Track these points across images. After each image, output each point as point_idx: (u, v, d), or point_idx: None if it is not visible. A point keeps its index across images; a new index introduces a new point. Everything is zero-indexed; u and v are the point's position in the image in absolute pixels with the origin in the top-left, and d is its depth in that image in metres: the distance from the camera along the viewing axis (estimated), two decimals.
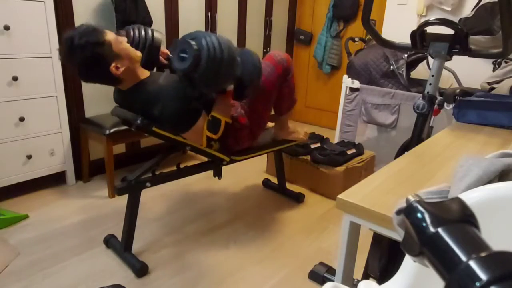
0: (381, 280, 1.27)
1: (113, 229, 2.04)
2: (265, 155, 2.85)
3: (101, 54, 1.53)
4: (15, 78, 2.09)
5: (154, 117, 1.65)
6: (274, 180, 2.61)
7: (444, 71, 2.44)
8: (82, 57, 1.53)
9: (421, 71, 2.86)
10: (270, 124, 2.34)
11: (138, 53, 1.66)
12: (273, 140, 2.22)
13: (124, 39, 1.63)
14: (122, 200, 2.35)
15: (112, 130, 2.29)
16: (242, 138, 1.92)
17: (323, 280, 1.66)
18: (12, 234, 1.96)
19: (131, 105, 1.69)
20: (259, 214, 2.27)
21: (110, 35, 1.57)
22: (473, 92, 1.73)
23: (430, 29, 1.35)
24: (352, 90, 2.77)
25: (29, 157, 2.24)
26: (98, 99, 2.59)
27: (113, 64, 1.57)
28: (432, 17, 1.85)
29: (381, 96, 2.62)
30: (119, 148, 2.78)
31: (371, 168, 2.63)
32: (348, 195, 0.84)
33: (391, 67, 2.63)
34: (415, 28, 1.42)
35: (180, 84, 1.65)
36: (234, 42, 3.48)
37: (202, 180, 2.68)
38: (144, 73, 1.69)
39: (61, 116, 2.33)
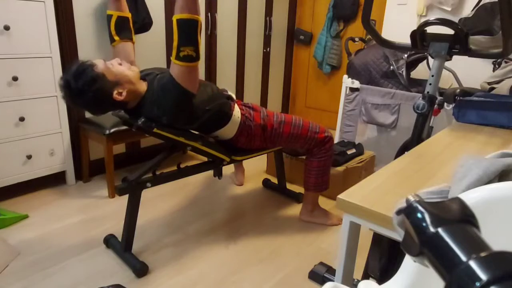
0: (381, 280, 1.27)
1: (113, 229, 2.04)
2: (265, 155, 2.85)
3: (101, 89, 1.54)
4: (15, 78, 2.09)
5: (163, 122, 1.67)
6: (274, 180, 2.61)
7: (444, 71, 2.44)
8: (85, 100, 1.55)
9: (421, 71, 2.86)
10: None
11: (135, 69, 1.65)
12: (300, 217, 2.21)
13: (116, 61, 1.62)
14: (122, 200, 2.35)
15: (112, 130, 2.29)
16: (254, 136, 1.91)
17: (323, 280, 1.66)
18: (12, 234, 1.96)
19: (137, 118, 1.68)
20: (259, 214, 2.27)
21: (100, 65, 1.56)
22: (473, 92, 1.73)
23: (430, 29, 1.35)
24: (352, 90, 2.77)
25: (29, 157, 2.24)
26: None
27: (115, 92, 1.58)
28: (432, 17, 1.85)
29: (381, 96, 2.62)
30: (119, 148, 2.78)
31: (371, 168, 2.63)
32: (348, 195, 0.84)
33: (391, 67, 2.63)
34: (415, 28, 1.42)
35: (164, 76, 1.63)
36: (234, 42, 3.48)
37: (202, 180, 2.68)
38: (143, 86, 1.68)
39: (61, 116, 2.33)
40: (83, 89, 1.52)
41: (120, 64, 1.62)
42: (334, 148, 2.15)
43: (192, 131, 1.81)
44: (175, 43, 1.51)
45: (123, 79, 1.59)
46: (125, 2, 1.81)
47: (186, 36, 1.50)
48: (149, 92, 1.66)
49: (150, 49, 2.82)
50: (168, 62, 2.97)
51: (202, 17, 3.11)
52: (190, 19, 1.48)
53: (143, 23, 2.55)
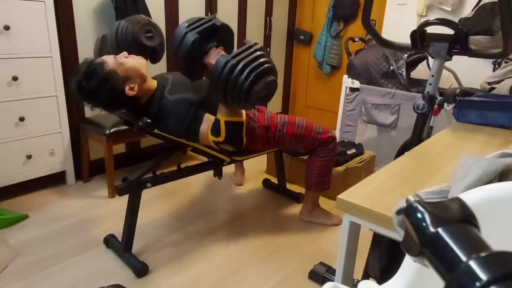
0: (381, 280, 1.27)
1: (113, 229, 2.04)
2: (265, 155, 2.85)
3: (113, 87, 1.54)
4: (15, 78, 2.09)
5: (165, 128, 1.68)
6: (274, 180, 2.61)
7: (444, 71, 2.44)
8: (99, 100, 1.56)
9: (421, 71, 2.86)
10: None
11: (141, 60, 1.64)
12: (300, 216, 2.22)
13: (124, 54, 1.61)
14: (122, 200, 2.35)
15: (112, 130, 2.29)
16: (257, 137, 1.91)
17: (323, 280, 1.66)
18: (12, 234, 1.96)
19: (141, 116, 1.68)
20: (259, 214, 2.27)
21: (110, 63, 1.56)
22: (473, 92, 1.73)
23: (430, 29, 1.35)
24: (352, 90, 2.77)
25: (29, 157, 2.24)
26: None
27: (127, 88, 1.58)
28: (432, 17, 1.85)
29: (381, 96, 2.62)
30: (119, 148, 2.78)
31: (371, 168, 2.63)
32: (348, 195, 0.84)
33: (391, 67, 2.63)
34: (415, 28, 1.42)
35: (184, 96, 1.65)
36: (234, 43, 3.48)
37: (202, 180, 2.68)
38: (153, 83, 1.69)
39: (61, 116, 2.33)
40: (96, 89, 1.52)
41: (127, 57, 1.62)
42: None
43: None
44: (222, 139, 1.60)
45: (134, 73, 1.59)
46: None
47: (214, 130, 1.61)
48: (159, 94, 1.67)
49: None
50: (169, 63, 2.97)
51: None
52: (237, 122, 1.62)
53: None
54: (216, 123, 1.60)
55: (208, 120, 1.64)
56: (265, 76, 1.47)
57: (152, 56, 1.88)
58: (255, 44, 1.52)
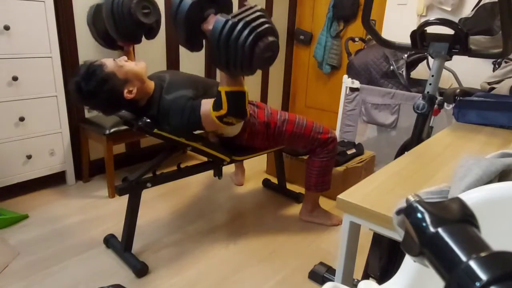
0: (381, 280, 1.27)
1: (113, 229, 2.03)
2: (265, 155, 2.85)
3: (112, 89, 1.54)
4: (15, 78, 2.09)
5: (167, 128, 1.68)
6: (274, 180, 2.61)
7: (444, 71, 2.44)
8: (97, 101, 1.56)
9: (421, 71, 2.86)
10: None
11: (142, 64, 1.65)
12: (300, 216, 2.22)
13: (124, 58, 1.62)
14: (122, 200, 2.35)
15: (112, 130, 2.29)
16: (257, 133, 1.91)
17: (323, 280, 1.66)
18: (12, 234, 1.96)
19: (141, 117, 1.68)
20: (259, 214, 2.27)
21: (110, 65, 1.56)
22: (473, 92, 1.73)
23: (430, 29, 1.35)
24: (352, 90, 2.77)
25: (29, 157, 2.24)
26: None
27: (125, 91, 1.58)
28: (432, 17, 1.85)
29: (381, 96, 2.62)
30: (119, 148, 2.78)
31: (371, 168, 2.63)
32: (348, 195, 0.84)
33: (391, 67, 2.63)
34: (415, 28, 1.42)
35: (181, 93, 1.65)
36: None
37: (202, 180, 2.68)
38: (150, 84, 1.69)
39: (61, 116, 2.33)
40: (94, 91, 1.53)
41: (126, 61, 1.62)
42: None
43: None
44: (224, 111, 1.58)
45: (133, 76, 1.60)
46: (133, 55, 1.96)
47: (216, 105, 1.59)
48: (157, 95, 1.67)
49: (151, 51, 2.82)
50: (169, 63, 2.97)
51: None
52: (238, 91, 1.58)
53: None
54: (218, 97, 1.58)
55: (207, 102, 1.63)
56: (266, 36, 1.43)
57: (148, 32, 1.87)
58: (256, 5, 1.47)
